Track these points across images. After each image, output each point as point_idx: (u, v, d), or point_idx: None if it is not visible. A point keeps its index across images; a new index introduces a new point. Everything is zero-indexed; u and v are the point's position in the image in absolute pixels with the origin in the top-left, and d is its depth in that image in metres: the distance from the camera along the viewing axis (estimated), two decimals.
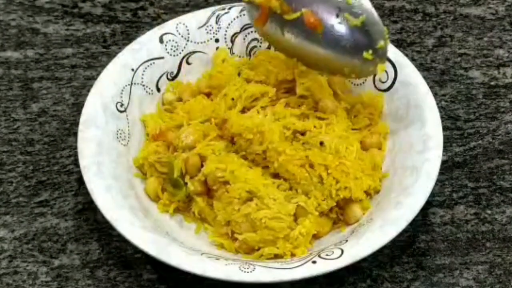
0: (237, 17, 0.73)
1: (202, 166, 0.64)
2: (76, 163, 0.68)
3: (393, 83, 0.69)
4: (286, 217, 0.61)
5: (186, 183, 0.64)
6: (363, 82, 0.70)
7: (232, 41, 0.73)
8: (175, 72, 0.71)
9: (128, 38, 0.78)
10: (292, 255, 0.61)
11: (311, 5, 0.64)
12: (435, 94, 0.70)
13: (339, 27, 0.63)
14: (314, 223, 0.62)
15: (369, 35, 0.63)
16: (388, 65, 0.69)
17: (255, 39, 0.72)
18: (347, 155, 0.63)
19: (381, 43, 0.63)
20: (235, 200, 0.62)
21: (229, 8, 0.73)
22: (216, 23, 0.73)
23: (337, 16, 0.63)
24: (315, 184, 0.62)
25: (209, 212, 0.64)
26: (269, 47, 0.72)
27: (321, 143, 0.63)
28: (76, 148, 0.64)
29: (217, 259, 0.59)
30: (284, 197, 0.62)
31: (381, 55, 0.64)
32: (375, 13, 0.63)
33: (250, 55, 0.73)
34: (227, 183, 0.63)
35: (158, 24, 0.74)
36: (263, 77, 0.67)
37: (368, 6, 0.64)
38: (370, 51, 0.63)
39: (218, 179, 0.63)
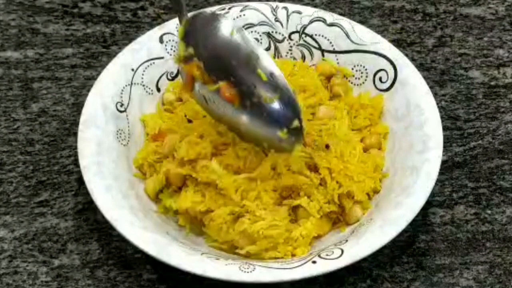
0: (237, 17, 0.73)
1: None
2: (76, 163, 0.68)
3: (393, 83, 0.69)
4: (281, 222, 0.61)
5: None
6: (363, 82, 0.70)
7: None
8: (175, 72, 0.71)
9: (128, 38, 0.78)
10: (292, 255, 0.61)
11: (229, 78, 0.60)
12: (435, 94, 0.70)
13: (254, 103, 0.60)
14: (315, 225, 0.62)
15: (282, 114, 0.60)
16: (388, 65, 0.69)
17: (255, 39, 0.72)
18: (350, 158, 0.64)
19: (295, 123, 0.60)
20: (224, 225, 0.61)
21: (229, 8, 0.73)
22: None
23: (253, 92, 0.60)
24: (317, 187, 0.62)
25: (207, 227, 0.63)
26: None
27: (327, 146, 0.63)
28: (76, 148, 0.64)
29: (217, 259, 0.59)
30: (274, 201, 0.62)
31: (296, 135, 0.60)
32: (291, 92, 0.60)
33: None
34: (209, 211, 0.62)
35: (158, 24, 0.74)
36: None
37: (284, 83, 0.60)
38: (285, 130, 0.60)
39: (199, 212, 0.62)
